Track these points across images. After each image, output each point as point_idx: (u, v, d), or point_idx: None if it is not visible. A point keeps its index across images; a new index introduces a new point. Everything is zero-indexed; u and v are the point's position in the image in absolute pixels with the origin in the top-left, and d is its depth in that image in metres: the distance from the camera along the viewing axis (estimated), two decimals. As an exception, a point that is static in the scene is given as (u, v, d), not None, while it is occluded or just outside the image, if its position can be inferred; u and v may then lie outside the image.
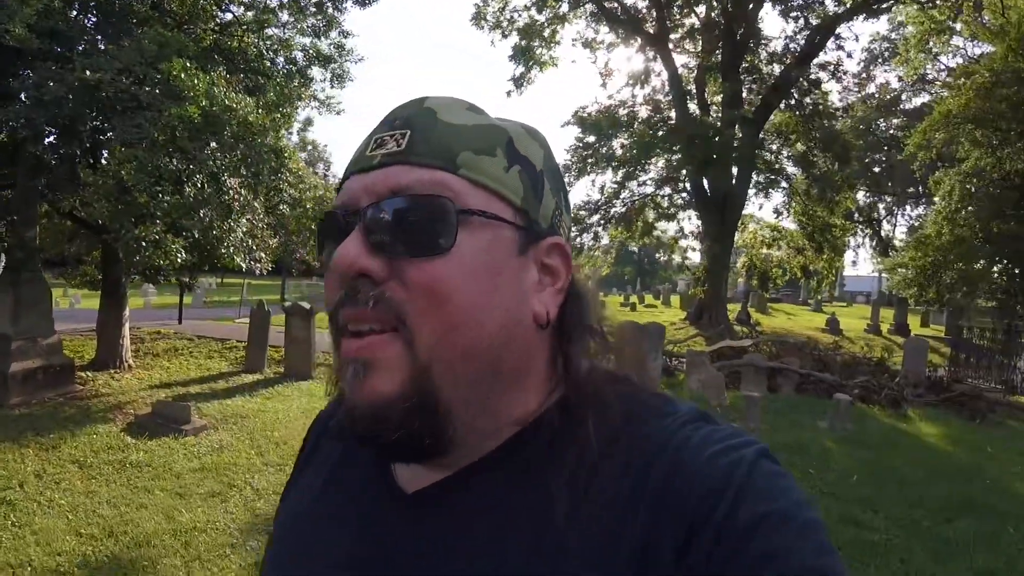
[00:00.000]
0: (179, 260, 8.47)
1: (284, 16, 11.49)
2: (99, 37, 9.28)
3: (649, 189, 22.26)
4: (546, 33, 20.37)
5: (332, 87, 12.88)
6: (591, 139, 21.00)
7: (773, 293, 32.01)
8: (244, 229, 9.03)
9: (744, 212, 21.90)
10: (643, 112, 21.27)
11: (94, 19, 9.76)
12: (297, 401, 9.34)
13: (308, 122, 12.98)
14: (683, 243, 23.73)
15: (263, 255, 9.68)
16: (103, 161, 9.35)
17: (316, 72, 12.19)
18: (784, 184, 22.15)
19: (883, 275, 27.69)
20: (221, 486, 6.05)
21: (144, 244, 7.88)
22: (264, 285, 28.37)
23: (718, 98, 20.42)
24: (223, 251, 8.81)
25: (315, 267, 14.71)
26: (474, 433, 0.62)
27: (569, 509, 0.57)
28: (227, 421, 8.17)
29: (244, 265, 9.35)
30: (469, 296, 0.59)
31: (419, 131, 0.62)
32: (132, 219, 7.96)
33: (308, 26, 11.68)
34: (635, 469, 0.58)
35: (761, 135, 20.08)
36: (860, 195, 25.80)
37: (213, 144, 8.19)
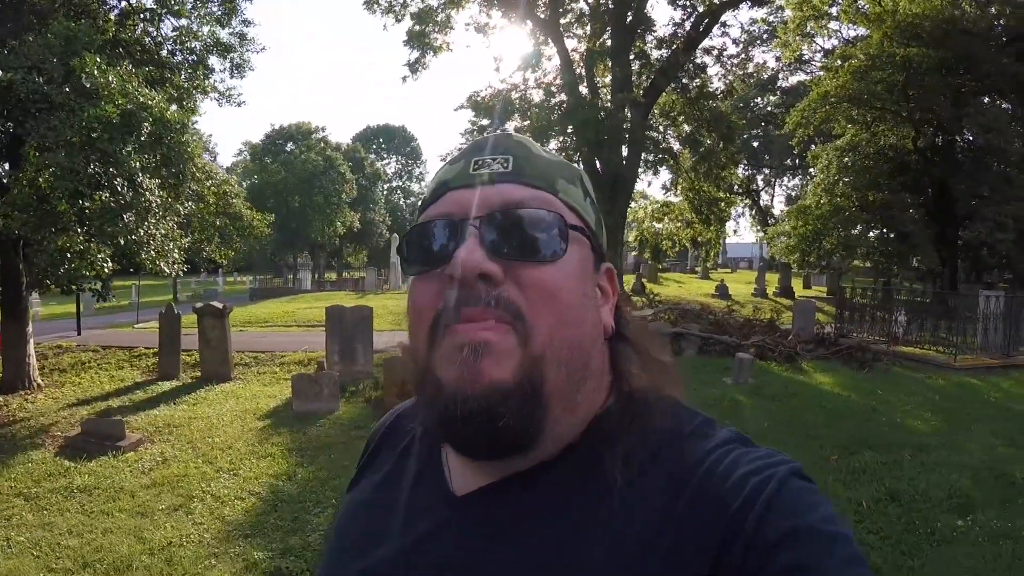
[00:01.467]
0: (105, 269, 8.17)
1: (187, 3, 11.08)
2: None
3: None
4: (440, 18, 20.26)
5: (232, 77, 12.54)
6: (485, 122, 21.24)
7: (665, 263, 33.38)
8: (163, 232, 8.79)
9: (635, 189, 22.76)
10: (536, 96, 21.62)
11: None
12: (226, 404, 9.15)
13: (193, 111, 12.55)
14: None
15: (176, 255, 9.43)
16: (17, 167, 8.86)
17: (215, 62, 11.84)
18: (672, 162, 23.14)
19: (765, 242, 29.41)
20: (181, 499, 5.95)
21: (69, 255, 7.57)
22: (152, 286, 27.17)
23: (607, 79, 21.02)
24: (144, 256, 8.55)
25: (222, 264, 14.20)
26: (550, 433, 0.65)
27: (607, 519, 0.62)
28: (161, 432, 7.95)
29: (168, 269, 9.11)
30: (574, 297, 0.66)
31: (520, 157, 0.70)
32: (53, 229, 7.62)
33: (207, 13, 11.28)
34: (672, 487, 0.62)
35: (649, 117, 20.85)
36: (740, 168, 27.28)
37: (128, 147, 7.89)
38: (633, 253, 34.32)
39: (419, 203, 0.79)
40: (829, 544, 0.55)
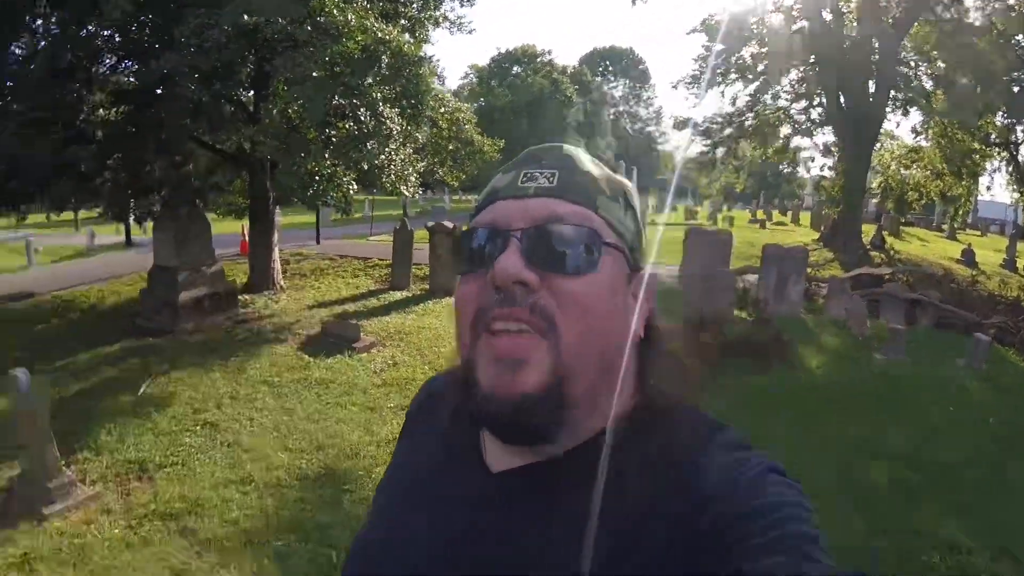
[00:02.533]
0: (351, 191, 9.02)
1: None
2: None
3: (783, 103, 21.47)
4: (671, -65, 19.47)
5: (461, 6, 13.15)
6: (720, 47, 20.35)
7: (908, 216, 30.56)
8: (402, 157, 9.46)
9: (881, 130, 20.94)
10: (774, 20, 20.15)
11: None
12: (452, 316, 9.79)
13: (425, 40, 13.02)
14: (819, 160, 22.86)
15: (413, 179, 10.10)
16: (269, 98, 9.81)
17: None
18: (923, 102, 20.87)
19: (1021, 205, 26.01)
20: (406, 399, 6.53)
21: (318, 178, 8.41)
22: (383, 200, 29.15)
23: (852, 4, 19.20)
24: (384, 179, 9.30)
25: (451, 185, 14.92)
26: (575, 428, 0.73)
27: (613, 507, 0.68)
28: (392, 338, 8.75)
29: (406, 193, 9.85)
30: (604, 309, 0.72)
31: (566, 172, 0.76)
32: (302, 154, 8.44)
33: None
34: (671, 484, 0.68)
35: (900, 51, 18.93)
36: (998, 116, 23.75)
37: (369, 79, 8.49)
38: (875, 201, 31.47)
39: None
40: (788, 513, 0.63)
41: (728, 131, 22.10)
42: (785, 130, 22.46)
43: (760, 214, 32.24)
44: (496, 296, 0.70)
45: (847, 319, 9.45)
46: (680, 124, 24.97)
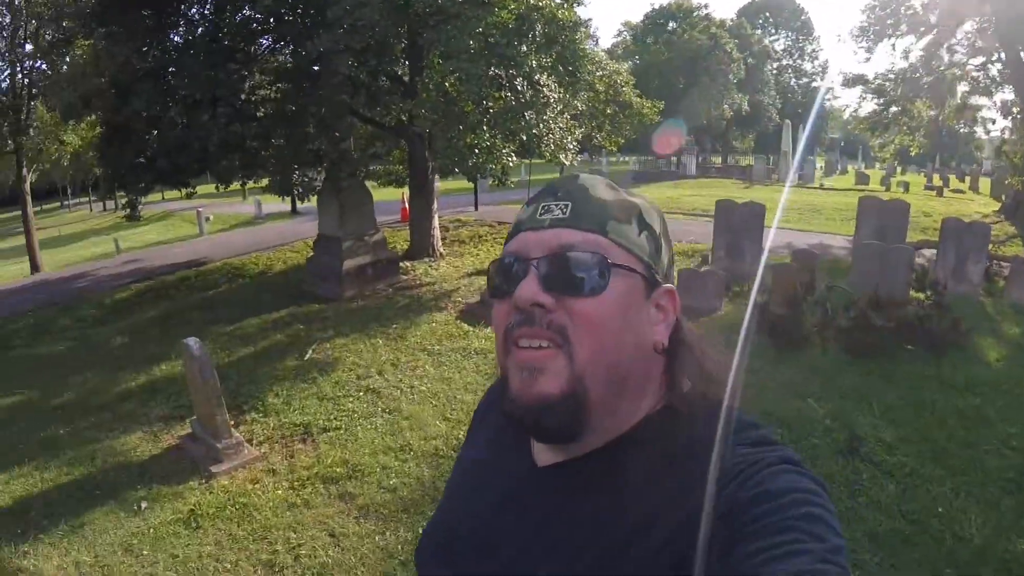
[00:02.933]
0: (509, 163, 8.94)
1: None
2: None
3: (960, 57, 19.34)
4: None
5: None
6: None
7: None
8: (561, 125, 9.26)
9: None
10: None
11: None
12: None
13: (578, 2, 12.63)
14: (1000, 123, 20.36)
15: (572, 147, 9.91)
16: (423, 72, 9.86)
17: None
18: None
19: None
20: (566, 373, 6.49)
21: (477, 151, 8.36)
22: (539, 164, 29.20)
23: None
24: (543, 148, 9.16)
25: (606, 148, 14.71)
26: (598, 429, 0.81)
27: (633, 498, 0.76)
28: (552, 309, 8.62)
29: (565, 161, 9.68)
30: (615, 326, 0.80)
31: (578, 203, 0.83)
32: (460, 127, 8.45)
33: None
34: (695, 479, 0.73)
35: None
36: None
37: (524, 48, 8.35)
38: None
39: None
40: (788, 503, 0.67)
41: (901, 89, 20.20)
42: (962, 87, 20.22)
43: (936, 180, 29.62)
44: (519, 316, 0.80)
45: (1027, 305, 8.32)
46: (849, 81, 22.86)
